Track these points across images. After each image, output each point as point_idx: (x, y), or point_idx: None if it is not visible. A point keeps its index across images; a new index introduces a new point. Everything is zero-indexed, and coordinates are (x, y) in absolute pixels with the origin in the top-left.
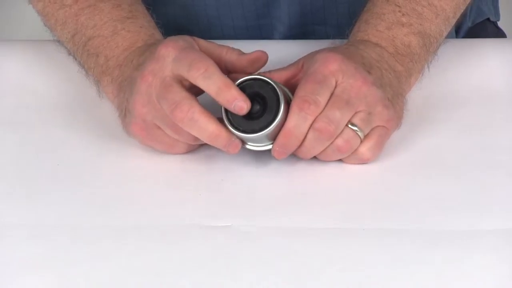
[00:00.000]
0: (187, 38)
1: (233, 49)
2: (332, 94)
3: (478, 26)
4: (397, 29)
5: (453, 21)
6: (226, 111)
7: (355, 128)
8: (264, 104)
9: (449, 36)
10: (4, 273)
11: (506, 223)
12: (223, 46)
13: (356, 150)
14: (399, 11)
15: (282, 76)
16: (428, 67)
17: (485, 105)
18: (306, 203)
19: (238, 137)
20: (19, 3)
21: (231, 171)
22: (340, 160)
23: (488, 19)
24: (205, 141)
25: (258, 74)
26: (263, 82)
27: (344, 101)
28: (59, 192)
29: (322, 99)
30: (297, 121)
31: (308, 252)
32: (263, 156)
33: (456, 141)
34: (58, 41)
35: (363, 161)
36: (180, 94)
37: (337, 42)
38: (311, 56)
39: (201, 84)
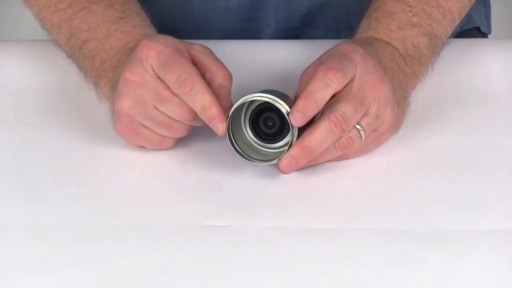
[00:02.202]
0: (169, 38)
1: (224, 73)
2: (349, 87)
3: (466, 33)
4: (408, 29)
5: (457, 22)
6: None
7: (359, 128)
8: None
9: None
10: (4, 273)
11: (506, 223)
12: (218, 63)
13: None
14: (410, 11)
15: (309, 72)
16: (432, 67)
17: (485, 105)
18: (306, 203)
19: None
20: (19, 3)
21: (231, 171)
22: (336, 160)
23: (478, 28)
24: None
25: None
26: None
27: (359, 101)
28: (59, 192)
29: (348, 71)
30: (319, 84)
31: (308, 252)
32: None
33: (456, 141)
34: (57, 44)
35: (343, 158)
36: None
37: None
38: (332, 49)
39: (187, 100)
